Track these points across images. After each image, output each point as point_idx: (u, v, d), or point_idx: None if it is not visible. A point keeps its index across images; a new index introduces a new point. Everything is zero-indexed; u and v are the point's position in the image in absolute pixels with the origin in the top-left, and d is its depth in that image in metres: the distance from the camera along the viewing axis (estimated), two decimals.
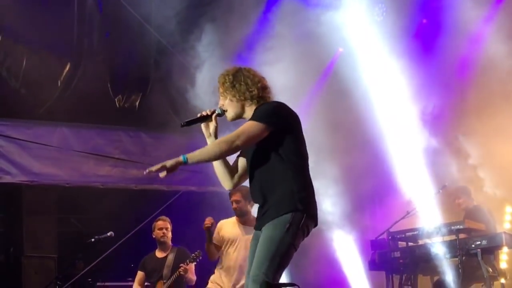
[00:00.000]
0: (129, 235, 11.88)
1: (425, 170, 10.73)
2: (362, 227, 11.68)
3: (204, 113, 5.84)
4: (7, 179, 11.71)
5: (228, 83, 5.79)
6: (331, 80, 11.86)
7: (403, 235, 10.41)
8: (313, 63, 11.32)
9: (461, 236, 9.94)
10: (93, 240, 10.16)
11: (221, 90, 5.82)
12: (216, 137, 5.84)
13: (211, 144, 5.68)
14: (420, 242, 10.27)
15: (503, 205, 10.97)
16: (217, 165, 5.92)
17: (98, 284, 11.24)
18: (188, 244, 10.36)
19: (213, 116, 5.80)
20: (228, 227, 9.40)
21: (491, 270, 9.86)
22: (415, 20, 11.68)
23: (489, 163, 10.61)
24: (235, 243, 9.28)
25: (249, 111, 5.76)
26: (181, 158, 5.56)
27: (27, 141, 11.76)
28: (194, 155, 5.55)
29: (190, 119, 5.84)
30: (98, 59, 12.29)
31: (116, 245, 11.65)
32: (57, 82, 11.97)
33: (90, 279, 11.08)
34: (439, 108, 10.90)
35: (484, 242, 9.71)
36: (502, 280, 9.97)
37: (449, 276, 9.89)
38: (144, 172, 5.61)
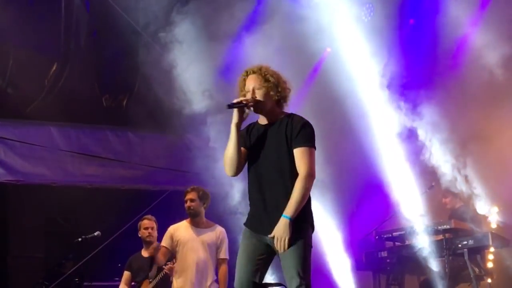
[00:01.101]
0: (116, 234, 11.85)
1: (412, 169, 10.72)
2: (348, 226, 11.68)
3: (244, 100, 5.97)
4: None
5: (271, 77, 6.03)
6: (318, 80, 11.87)
7: (390, 235, 10.44)
8: (300, 63, 11.32)
9: (448, 236, 9.97)
10: (80, 240, 10.13)
11: (260, 81, 6.00)
12: (241, 126, 6.03)
13: (301, 188, 5.82)
14: (407, 242, 10.30)
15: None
16: (233, 153, 6.02)
17: (85, 284, 11.18)
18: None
19: (250, 105, 5.99)
20: (181, 230, 9.40)
21: (477, 270, 9.89)
22: (402, 20, 11.69)
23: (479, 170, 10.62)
24: (189, 245, 9.26)
25: (273, 112, 6.08)
26: (287, 220, 5.77)
27: (13, 140, 11.72)
28: (294, 209, 5.78)
29: (233, 102, 5.95)
30: (85, 59, 12.28)
31: (103, 245, 11.62)
32: (44, 81, 11.96)
33: (77, 279, 11.01)
34: (426, 108, 10.90)
35: (471, 242, 9.74)
36: (489, 280, 10.00)
37: (435, 276, 9.91)
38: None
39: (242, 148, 6.07)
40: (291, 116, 6.08)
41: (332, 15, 11.09)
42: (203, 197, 9.33)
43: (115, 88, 12.57)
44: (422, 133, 10.70)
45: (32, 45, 11.67)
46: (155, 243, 10.30)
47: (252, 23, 11.46)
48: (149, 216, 10.35)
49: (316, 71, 12.01)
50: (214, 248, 9.20)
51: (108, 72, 12.45)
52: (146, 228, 10.24)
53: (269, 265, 6.11)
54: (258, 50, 10.97)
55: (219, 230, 9.35)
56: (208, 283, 9.15)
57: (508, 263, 10.19)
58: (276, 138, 6.01)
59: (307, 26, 11.03)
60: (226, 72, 11.22)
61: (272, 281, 9.40)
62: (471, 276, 9.69)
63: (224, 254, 9.22)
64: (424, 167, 10.70)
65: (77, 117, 12.25)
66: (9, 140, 11.71)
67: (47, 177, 12.01)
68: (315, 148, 6.02)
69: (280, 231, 5.75)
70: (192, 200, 9.28)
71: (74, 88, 11.97)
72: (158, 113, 11.62)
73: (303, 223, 5.89)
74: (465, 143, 10.57)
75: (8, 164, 11.75)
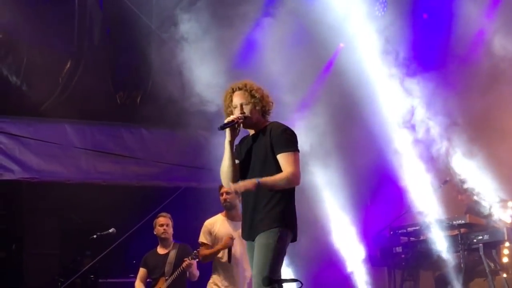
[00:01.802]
0: (131, 231, 11.87)
1: (427, 164, 10.69)
2: (363, 222, 11.66)
3: (235, 118, 6.33)
4: (8, 176, 11.68)
5: (256, 92, 6.45)
6: (332, 75, 11.86)
7: (405, 230, 10.41)
8: (313, 58, 11.32)
9: (463, 231, 9.94)
10: (95, 236, 10.17)
11: (246, 98, 6.41)
12: (234, 142, 6.44)
13: (279, 175, 6.23)
14: (422, 237, 10.27)
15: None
16: (228, 168, 6.44)
17: (100, 280, 11.23)
18: (190, 241, 10.35)
19: (239, 121, 6.39)
20: (217, 225, 9.33)
21: (493, 265, 9.86)
22: (416, 15, 11.67)
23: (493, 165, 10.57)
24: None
25: (260, 122, 6.49)
26: (255, 180, 6.14)
27: (28, 138, 11.74)
28: (265, 180, 6.17)
29: (224, 123, 6.32)
30: (99, 56, 12.28)
31: (118, 241, 11.65)
32: (58, 79, 11.97)
33: (92, 276, 11.07)
34: (441, 102, 10.86)
35: (486, 236, 9.71)
36: (504, 275, 9.96)
37: (451, 271, 9.89)
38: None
39: (237, 161, 6.50)
40: (272, 124, 6.50)
41: (346, 10, 11.07)
42: None
43: (128, 85, 12.57)
44: (437, 128, 10.67)
45: (46, 43, 11.68)
46: (171, 240, 10.32)
47: (264, 19, 11.45)
48: (164, 213, 10.36)
49: (330, 66, 11.99)
50: None
51: (122, 70, 12.46)
52: (162, 225, 10.25)
53: None
54: (271, 46, 10.98)
55: None
56: (249, 276, 8.97)
57: None
58: (260, 147, 6.40)
59: (321, 22, 11.02)
60: (239, 68, 11.22)
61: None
62: (487, 271, 9.66)
63: None
64: (439, 162, 10.67)
65: (91, 115, 12.26)
66: (24, 137, 11.73)
67: (61, 174, 12.03)
68: (298, 151, 6.40)
69: (242, 183, 6.22)
70: (228, 193, 9.20)
71: (88, 86, 11.98)
72: (171, 109, 11.61)
73: (275, 223, 6.25)
74: (480, 138, 10.53)
75: (23, 162, 11.77)
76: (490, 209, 10.32)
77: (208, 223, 9.40)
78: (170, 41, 11.40)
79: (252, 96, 6.42)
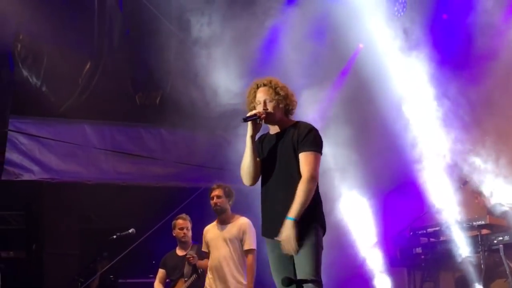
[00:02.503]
0: (150, 232, 11.89)
1: (447, 164, 10.65)
2: (383, 222, 11.64)
3: (257, 112, 6.28)
4: (28, 176, 11.76)
5: (281, 90, 6.38)
6: (351, 75, 11.84)
7: (425, 231, 10.39)
8: (333, 59, 11.31)
9: (483, 231, 9.90)
10: (114, 237, 10.19)
11: (271, 95, 6.35)
12: (255, 137, 6.38)
13: (303, 190, 6.08)
14: (442, 238, 10.24)
15: None
16: (250, 164, 6.36)
17: (119, 280, 11.28)
18: None
19: (262, 116, 6.31)
20: (210, 231, 9.48)
21: None
22: (435, 15, 11.63)
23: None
24: (213, 243, 9.33)
25: (282, 122, 6.41)
26: (291, 221, 6.03)
27: (48, 138, 11.80)
28: (297, 211, 6.04)
29: (247, 116, 6.28)
30: (119, 57, 12.32)
31: (137, 242, 11.66)
32: (78, 80, 12.03)
33: (112, 276, 11.11)
34: (462, 105, 10.82)
35: (506, 237, 9.67)
36: None
37: (471, 272, 9.85)
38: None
39: (257, 159, 6.41)
40: (298, 124, 6.42)
41: (365, 11, 11.06)
42: (229, 193, 9.34)
43: (148, 86, 12.60)
44: (458, 129, 10.63)
45: (66, 44, 11.72)
46: (190, 242, 10.33)
47: (284, 20, 11.44)
48: (183, 216, 10.35)
49: (349, 66, 11.98)
50: (237, 241, 9.14)
51: (141, 71, 12.49)
52: (182, 229, 10.25)
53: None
54: (290, 48, 10.98)
55: (241, 222, 9.26)
56: (232, 279, 9.10)
57: None
58: (284, 146, 6.32)
59: (339, 23, 11.01)
60: (258, 70, 11.22)
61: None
62: (507, 272, 9.62)
63: (248, 245, 9.10)
64: (459, 163, 10.63)
65: (110, 115, 12.32)
66: (44, 138, 11.80)
67: (81, 175, 12.08)
68: (320, 153, 6.33)
69: (286, 233, 6.02)
70: (218, 197, 9.30)
71: (107, 86, 12.04)
72: (191, 110, 11.64)
73: (312, 223, 6.15)
74: (500, 139, 10.50)
75: (43, 162, 11.83)
76: (510, 210, 10.28)
77: (204, 230, 9.60)
78: (190, 43, 11.42)
79: (276, 93, 6.36)
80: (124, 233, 10.14)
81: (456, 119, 10.73)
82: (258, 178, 6.43)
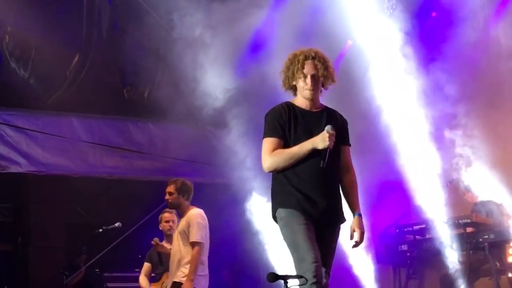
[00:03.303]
0: (137, 226, 11.86)
1: (434, 162, 10.66)
2: (369, 219, 11.63)
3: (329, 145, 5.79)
4: (15, 169, 11.69)
5: (330, 66, 6.02)
6: (339, 72, 11.82)
7: (411, 228, 10.43)
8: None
9: (469, 230, 9.95)
10: (100, 230, 10.18)
11: (322, 67, 5.93)
12: None
13: (357, 185, 6.09)
14: (428, 235, 10.28)
15: None
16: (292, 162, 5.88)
17: (105, 274, 11.24)
18: None
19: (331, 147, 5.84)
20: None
21: (498, 264, 9.87)
22: (424, 13, 11.65)
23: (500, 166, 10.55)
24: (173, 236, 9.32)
25: (318, 99, 6.05)
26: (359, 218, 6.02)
27: (35, 131, 11.74)
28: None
29: (325, 156, 5.79)
30: (107, 50, 12.29)
31: (124, 236, 11.63)
32: (66, 72, 11.99)
33: (97, 270, 11.07)
34: (448, 102, 10.83)
35: (492, 236, 9.72)
36: (510, 274, 9.97)
37: (456, 270, 9.89)
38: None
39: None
40: (333, 110, 6.12)
41: (354, 8, 11.05)
42: (181, 189, 9.17)
43: (136, 79, 12.57)
44: (444, 127, 10.65)
45: (54, 37, 11.68)
46: None
47: (272, 16, 11.43)
48: (169, 210, 10.36)
49: (337, 63, 11.97)
50: (185, 234, 8.96)
51: (130, 64, 12.45)
52: (167, 222, 10.25)
53: None
54: (279, 42, 10.96)
55: (189, 214, 9.08)
56: (178, 272, 8.95)
57: None
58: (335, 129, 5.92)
59: (329, 18, 11.00)
60: (247, 65, 11.22)
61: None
62: (492, 270, 9.66)
63: (192, 237, 8.87)
64: (445, 160, 10.65)
65: (98, 109, 12.27)
66: (31, 131, 11.73)
67: (68, 168, 12.03)
68: None
69: (363, 228, 5.99)
70: (170, 194, 9.19)
71: (96, 80, 12.01)
72: (179, 105, 11.62)
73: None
74: (487, 138, 10.52)
75: (30, 155, 11.77)
76: (496, 208, 10.32)
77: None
78: (179, 35, 11.39)
79: (326, 68, 5.94)
80: (110, 226, 10.14)
81: (444, 118, 10.75)
82: None
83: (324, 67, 5.91)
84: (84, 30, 12.00)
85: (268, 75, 10.69)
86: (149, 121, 12.71)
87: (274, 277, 6.02)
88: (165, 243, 10.31)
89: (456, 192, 10.75)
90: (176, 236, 9.14)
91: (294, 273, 5.91)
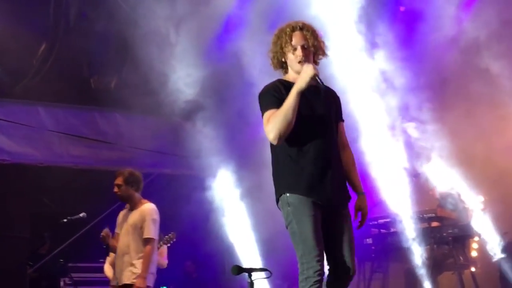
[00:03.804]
0: (102, 216, 11.83)
1: (399, 157, 10.70)
2: None
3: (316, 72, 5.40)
4: None
5: (319, 36, 5.67)
6: None
7: (376, 222, 10.47)
8: None
9: (433, 224, 10.02)
10: (65, 220, 10.11)
11: (309, 38, 5.58)
12: None
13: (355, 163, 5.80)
14: (392, 229, 10.32)
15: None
16: (293, 118, 5.39)
17: (69, 264, 11.20)
18: (160, 227, 10.32)
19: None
20: (121, 215, 9.10)
21: (462, 259, 9.94)
22: (393, 7, 11.69)
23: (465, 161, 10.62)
24: (121, 230, 8.94)
25: None
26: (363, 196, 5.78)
27: (1, 119, 11.65)
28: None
29: (320, 78, 5.41)
30: (74, 39, 12.19)
31: (89, 226, 11.60)
32: (33, 61, 11.90)
33: (61, 260, 11.02)
34: (414, 96, 10.87)
35: (455, 230, 9.80)
36: (473, 269, 10.05)
37: (420, 263, 9.95)
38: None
39: None
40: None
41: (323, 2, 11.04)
42: (130, 180, 8.88)
43: (103, 69, 12.51)
44: (410, 122, 10.68)
45: (20, 24, 11.59)
46: None
47: (242, 10, 11.41)
48: None
49: None
50: (138, 229, 8.67)
51: (97, 53, 12.39)
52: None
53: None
54: (248, 37, 10.93)
55: (143, 208, 8.80)
56: (128, 267, 8.65)
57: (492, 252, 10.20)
58: (332, 106, 5.69)
59: (298, 15, 10.97)
60: (216, 55, 11.20)
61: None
62: (456, 264, 9.74)
63: (148, 233, 8.63)
64: (411, 156, 10.70)
65: (65, 98, 12.19)
66: None
67: (33, 157, 11.95)
68: None
69: (367, 208, 5.73)
70: (118, 186, 8.91)
71: (62, 69, 11.92)
72: (146, 95, 11.58)
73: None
74: (453, 133, 10.58)
75: None
76: (460, 203, 10.40)
77: (120, 213, 9.20)
78: (147, 25, 11.34)
79: (316, 38, 5.60)
80: (75, 217, 10.08)
81: (412, 113, 10.79)
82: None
83: (314, 37, 5.58)
84: (51, 18, 11.91)
85: (236, 66, 10.70)
86: (115, 111, 12.66)
87: (238, 269, 6.04)
88: None
89: (421, 186, 10.80)
90: (126, 230, 8.78)
91: (260, 266, 5.86)
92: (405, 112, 10.66)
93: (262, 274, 6.77)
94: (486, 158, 10.56)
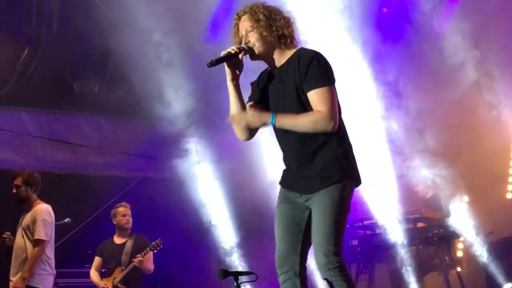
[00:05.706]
0: (86, 221, 11.79)
1: (384, 158, 10.70)
2: None
3: (231, 51, 5.09)
4: None
5: (263, 16, 5.10)
6: None
7: (361, 223, 10.46)
8: None
9: (419, 225, 10.02)
10: None
11: (250, 23, 5.12)
12: (238, 81, 5.21)
13: (305, 118, 4.96)
14: (378, 230, 10.32)
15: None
16: (236, 110, 5.20)
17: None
18: (145, 231, 10.32)
19: (240, 56, 5.12)
20: (21, 219, 9.03)
21: (447, 259, 9.95)
22: (376, 9, 11.69)
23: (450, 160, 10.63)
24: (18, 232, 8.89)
25: (279, 54, 5.18)
26: (269, 119, 5.03)
27: None
28: (284, 118, 5.00)
29: (217, 58, 5.06)
30: (57, 44, 12.16)
31: (73, 231, 11.55)
32: (15, 66, 11.84)
33: None
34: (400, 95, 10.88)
35: (441, 231, 9.80)
36: (458, 269, 10.06)
37: (406, 264, 9.95)
38: None
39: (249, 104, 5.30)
40: (300, 51, 5.17)
41: (306, 2, 11.03)
42: (29, 181, 8.88)
43: (87, 74, 12.47)
44: (395, 121, 10.67)
45: (3, 30, 11.56)
46: (129, 231, 10.24)
47: (225, 7, 11.40)
48: (124, 203, 10.27)
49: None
50: (29, 231, 8.65)
51: (80, 58, 12.36)
52: (124, 215, 10.15)
53: (308, 237, 5.12)
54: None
55: (35, 209, 8.77)
56: (20, 270, 8.58)
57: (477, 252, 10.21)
58: (287, 83, 5.12)
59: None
60: (202, 58, 11.16)
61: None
62: (441, 265, 9.75)
63: (36, 234, 8.54)
64: (397, 156, 10.70)
65: (48, 103, 12.15)
66: None
67: (17, 162, 11.85)
68: (332, 84, 5.07)
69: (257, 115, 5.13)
70: (17, 187, 8.87)
71: (45, 74, 11.87)
72: (130, 99, 11.55)
73: (338, 177, 5.07)
74: (438, 132, 10.59)
75: None
76: (446, 204, 10.41)
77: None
78: (130, 29, 11.31)
79: (257, 20, 5.11)
80: (59, 222, 10.00)
81: (396, 112, 10.79)
82: (255, 130, 5.28)
83: (256, 20, 5.12)
84: (33, 24, 11.86)
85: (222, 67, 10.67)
86: (99, 116, 12.62)
87: (224, 273, 6.01)
88: (116, 238, 10.24)
89: (406, 187, 10.80)
90: (19, 232, 8.75)
91: (245, 269, 5.83)
92: (389, 112, 10.66)
93: (248, 278, 6.75)
94: (471, 158, 10.57)
